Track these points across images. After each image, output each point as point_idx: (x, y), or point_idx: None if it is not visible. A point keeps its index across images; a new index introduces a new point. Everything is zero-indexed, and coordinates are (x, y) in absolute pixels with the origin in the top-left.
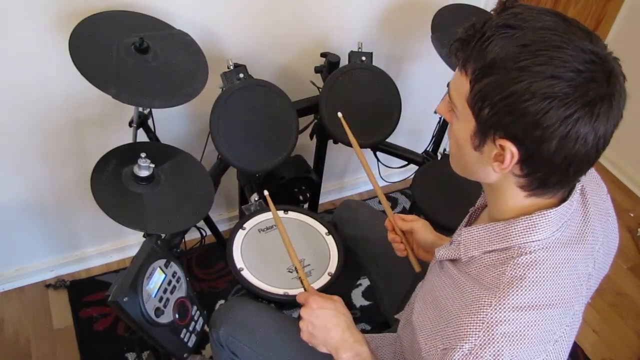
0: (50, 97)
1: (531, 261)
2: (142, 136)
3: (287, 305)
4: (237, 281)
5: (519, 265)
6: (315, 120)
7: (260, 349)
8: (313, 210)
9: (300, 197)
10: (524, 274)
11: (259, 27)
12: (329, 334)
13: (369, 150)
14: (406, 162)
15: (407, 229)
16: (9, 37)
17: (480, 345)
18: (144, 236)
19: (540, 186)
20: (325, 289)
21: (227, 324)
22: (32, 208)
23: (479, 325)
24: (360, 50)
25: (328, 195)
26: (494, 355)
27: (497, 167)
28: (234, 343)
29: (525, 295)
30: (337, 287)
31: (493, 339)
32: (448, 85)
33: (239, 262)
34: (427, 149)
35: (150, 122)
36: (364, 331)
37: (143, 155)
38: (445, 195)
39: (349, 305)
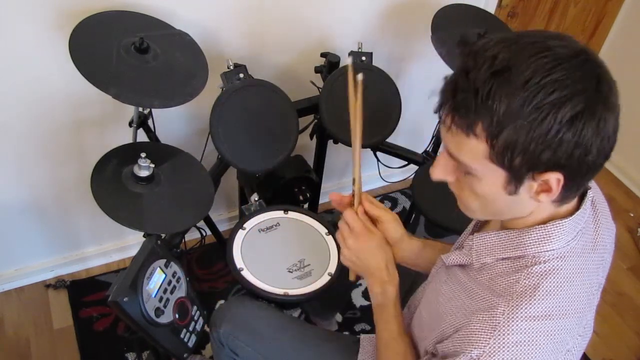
0: (50, 97)
1: (545, 270)
2: (142, 136)
3: (287, 305)
4: (237, 281)
5: (533, 275)
6: (315, 120)
7: (261, 348)
8: (313, 210)
9: (300, 197)
10: (538, 283)
11: (259, 27)
12: (369, 268)
13: (369, 150)
14: (406, 162)
15: (375, 214)
16: (9, 37)
17: (490, 352)
18: (144, 236)
19: (569, 195)
20: (326, 289)
21: (228, 323)
22: (32, 208)
23: (491, 333)
24: (360, 50)
25: (328, 195)
26: None
27: (543, 198)
28: (234, 342)
29: (538, 304)
30: (337, 287)
31: (503, 346)
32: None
33: (239, 262)
34: (427, 149)
35: (150, 122)
36: (363, 331)
37: (143, 155)
38: (445, 195)
39: (349, 305)
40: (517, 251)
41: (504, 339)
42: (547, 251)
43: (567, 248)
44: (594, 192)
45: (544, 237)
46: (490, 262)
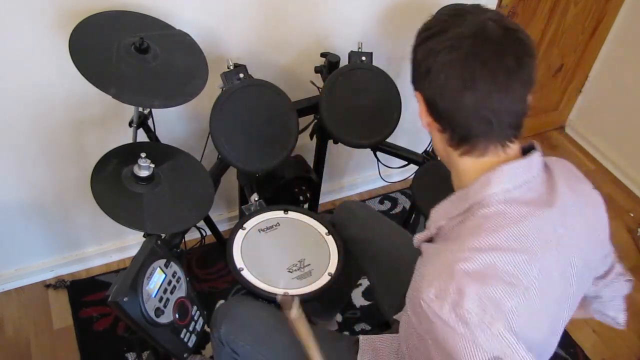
0: (50, 97)
1: (490, 213)
2: (142, 136)
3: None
4: (237, 281)
5: (478, 217)
6: (315, 120)
7: (261, 347)
8: (313, 210)
9: (300, 197)
10: (483, 223)
11: (259, 27)
12: None
13: (369, 150)
14: (406, 162)
15: None
16: (9, 38)
17: (444, 284)
18: (144, 236)
19: (462, 141)
20: (326, 289)
21: (228, 322)
22: (32, 208)
23: (441, 269)
24: (360, 50)
25: (328, 195)
26: (458, 290)
27: (436, 134)
28: (234, 341)
29: (483, 239)
30: (337, 287)
31: (454, 275)
32: None
33: (239, 262)
34: (427, 149)
35: (150, 122)
36: (364, 331)
37: (143, 155)
38: (445, 195)
39: (349, 305)
40: (465, 204)
41: (453, 268)
42: (490, 195)
43: (510, 195)
44: (557, 167)
45: (485, 183)
46: (444, 224)
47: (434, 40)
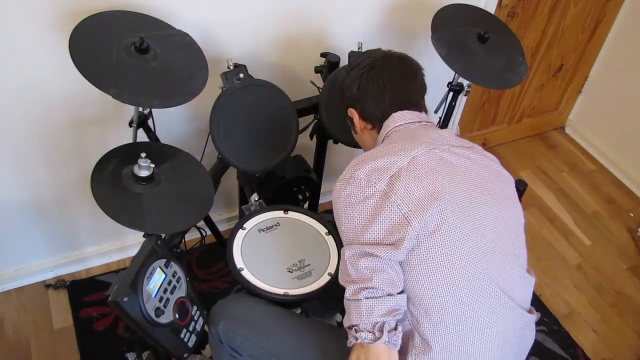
0: (50, 97)
1: (388, 139)
2: (142, 136)
3: (287, 305)
4: (237, 281)
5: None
6: (315, 120)
7: (260, 340)
8: (313, 210)
9: (300, 197)
10: (384, 142)
11: (259, 27)
12: None
13: None
14: None
15: None
16: (9, 37)
17: (346, 172)
18: (144, 236)
19: (376, 124)
20: (326, 289)
21: (226, 318)
22: (32, 208)
23: (347, 167)
24: (360, 50)
25: (328, 195)
26: (353, 170)
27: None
28: (233, 338)
29: (380, 146)
30: (337, 287)
31: (354, 165)
32: (449, 85)
33: (239, 262)
34: None
35: (150, 122)
36: None
37: (143, 155)
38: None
39: None
40: (375, 144)
41: (353, 165)
42: (389, 132)
43: (403, 127)
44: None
45: (384, 126)
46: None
47: (356, 69)
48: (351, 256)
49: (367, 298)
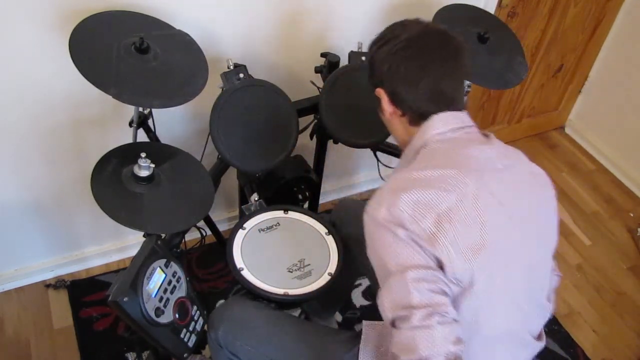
0: (50, 97)
1: (428, 150)
2: (142, 136)
3: (287, 305)
4: (237, 281)
5: (419, 154)
6: (315, 120)
7: (260, 346)
8: (313, 210)
9: (300, 197)
10: (422, 156)
11: (259, 27)
12: None
13: (369, 150)
14: None
15: None
16: (9, 37)
17: (384, 194)
18: (144, 236)
19: (419, 118)
20: (326, 289)
21: (226, 323)
22: (32, 208)
23: (384, 188)
24: (360, 50)
25: (328, 195)
26: (394, 195)
27: (394, 117)
28: (232, 342)
29: (419, 164)
30: (337, 287)
31: (394, 189)
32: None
33: (239, 262)
34: None
35: (150, 122)
36: None
37: (143, 155)
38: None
39: (349, 305)
40: (412, 152)
41: (392, 188)
42: (427, 138)
43: (446, 136)
44: (502, 147)
45: (422, 131)
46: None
47: (389, 45)
48: (413, 280)
49: (440, 324)
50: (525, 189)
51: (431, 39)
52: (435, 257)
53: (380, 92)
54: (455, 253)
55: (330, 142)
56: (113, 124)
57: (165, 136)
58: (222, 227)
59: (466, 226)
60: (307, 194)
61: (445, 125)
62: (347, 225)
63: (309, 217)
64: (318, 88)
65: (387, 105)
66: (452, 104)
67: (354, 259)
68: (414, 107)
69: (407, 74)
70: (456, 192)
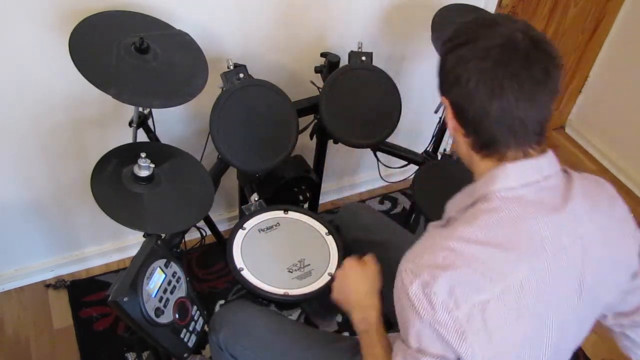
0: (50, 97)
1: (488, 207)
2: (142, 136)
3: (287, 305)
4: (237, 281)
5: (477, 210)
6: (315, 120)
7: (261, 352)
8: (313, 210)
9: (300, 197)
10: (479, 215)
11: (259, 27)
12: (350, 294)
13: (369, 150)
14: (406, 162)
15: None
16: (9, 37)
17: (424, 262)
18: (144, 236)
19: (485, 146)
20: (326, 289)
21: (227, 327)
22: (32, 208)
23: (426, 246)
24: (360, 50)
25: (328, 195)
26: (432, 273)
27: (459, 137)
28: (233, 346)
29: (473, 230)
30: None
31: (434, 258)
32: None
33: (239, 262)
34: (427, 149)
35: (150, 122)
36: None
37: (143, 155)
38: (445, 195)
39: None
40: (472, 197)
41: (435, 253)
42: (492, 191)
43: (514, 193)
44: (582, 180)
45: (490, 178)
46: (454, 215)
47: (464, 49)
48: None
49: None
50: (589, 264)
51: (517, 52)
52: (456, 353)
53: (445, 101)
54: (481, 356)
55: (330, 142)
56: (113, 124)
57: (165, 136)
58: (222, 227)
59: (498, 327)
60: (307, 194)
61: (520, 178)
62: (351, 230)
63: (309, 217)
64: (318, 88)
65: (450, 120)
66: (530, 136)
67: None
68: (480, 132)
69: (479, 92)
70: (503, 282)
